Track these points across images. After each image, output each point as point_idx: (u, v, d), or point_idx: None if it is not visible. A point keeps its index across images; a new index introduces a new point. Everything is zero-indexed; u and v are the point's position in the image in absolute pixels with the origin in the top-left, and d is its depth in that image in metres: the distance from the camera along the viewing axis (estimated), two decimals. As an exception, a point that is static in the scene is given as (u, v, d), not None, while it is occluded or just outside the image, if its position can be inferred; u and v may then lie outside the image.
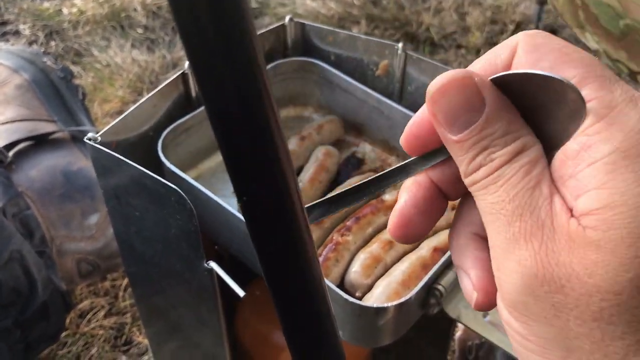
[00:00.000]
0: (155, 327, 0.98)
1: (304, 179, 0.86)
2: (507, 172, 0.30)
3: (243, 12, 0.28)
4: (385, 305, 0.67)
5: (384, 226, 0.81)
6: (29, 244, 1.09)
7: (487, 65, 0.33)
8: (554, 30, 2.13)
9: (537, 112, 0.31)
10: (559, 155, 0.30)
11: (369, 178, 0.35)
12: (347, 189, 0.36)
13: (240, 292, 0.69)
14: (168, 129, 0.82)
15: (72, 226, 1.18)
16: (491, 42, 2.06)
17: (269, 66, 0.93)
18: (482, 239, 0.33)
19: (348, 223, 0.80)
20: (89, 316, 1.27)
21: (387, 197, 0.83)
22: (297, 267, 0.39)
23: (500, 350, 1.05)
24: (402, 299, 0.67)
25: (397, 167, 0.35)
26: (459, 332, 1.16)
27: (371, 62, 0.93)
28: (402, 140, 0.35)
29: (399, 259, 0.77)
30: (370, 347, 0.90)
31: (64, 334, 1.23)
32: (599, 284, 0.27)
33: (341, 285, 0.77)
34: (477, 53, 2.01)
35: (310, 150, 0.91)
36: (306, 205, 0.33)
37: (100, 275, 1.25)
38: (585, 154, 0.28)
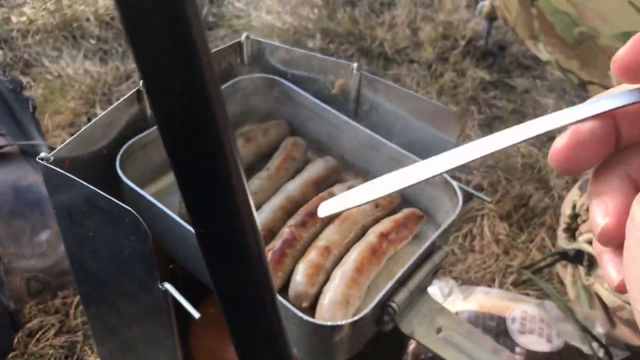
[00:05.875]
0: (108, 346, 0.96)
1: (272, 166, 0.90)
2: None
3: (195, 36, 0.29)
4: (341, 323, 0.68)
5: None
6: (-24, 262, 1.06)
7: None
8: (502, 46, 2.20)
9: None
10: None
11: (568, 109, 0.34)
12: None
13: (196, 314, 0.68)
14: (125, 145, 0.81)
15: (22, 243, 1.15)
16: (442, 57, 2.11)
17: (229, 82, 0.93)
18: (632, 180, 0.35)
19: (303, 218, 0.81)
20: (38, 335, 1.23)
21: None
22: (251, 295, 0.39)
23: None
24: (356, 317, 0.68)
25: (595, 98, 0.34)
26: (412, 346, 1.18)
27: (327, 80, 0.95)
28: (616, 60, 0.34)
29: (337, 263, 0.79)
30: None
31: (11, 354, 1.19)
32: None
33: (284, 291, 0.77)
34: (429, 68, 2.05)
35: (254, 152, 0.93)
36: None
37: (51, 293, 1.22)
38: None
